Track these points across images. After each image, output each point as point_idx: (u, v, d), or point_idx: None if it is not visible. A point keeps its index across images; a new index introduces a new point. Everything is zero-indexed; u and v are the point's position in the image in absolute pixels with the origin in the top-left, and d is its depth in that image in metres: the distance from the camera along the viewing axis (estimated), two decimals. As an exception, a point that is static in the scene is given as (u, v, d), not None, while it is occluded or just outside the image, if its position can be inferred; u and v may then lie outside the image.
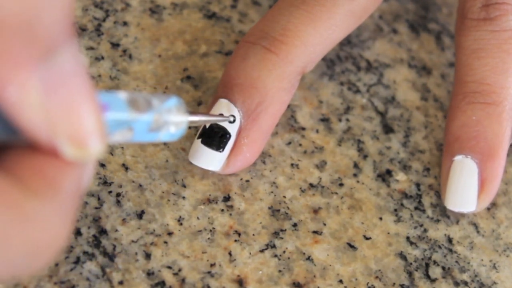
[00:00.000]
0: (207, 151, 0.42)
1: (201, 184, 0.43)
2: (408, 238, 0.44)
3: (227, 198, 0.43)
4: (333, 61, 0.49)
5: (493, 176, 0.44)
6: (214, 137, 0.42)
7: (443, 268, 0.43)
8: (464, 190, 0.44)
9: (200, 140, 0.42)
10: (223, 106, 0.42)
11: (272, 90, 0.42)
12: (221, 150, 0.42)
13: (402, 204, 0.45)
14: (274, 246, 0.42)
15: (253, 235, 0.42)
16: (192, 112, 0.39)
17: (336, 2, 0.43)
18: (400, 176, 0.46)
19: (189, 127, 0.44)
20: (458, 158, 0.44)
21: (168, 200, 0.43)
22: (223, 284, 0.41)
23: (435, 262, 0.44)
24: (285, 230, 0.43)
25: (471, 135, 0.44)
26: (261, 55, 0.42)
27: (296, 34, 0.43)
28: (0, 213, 0.27)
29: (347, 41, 0.49)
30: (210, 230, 0.42)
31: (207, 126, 0.42)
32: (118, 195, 0.42)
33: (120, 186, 0.42)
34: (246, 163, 0.43)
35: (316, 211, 0.44)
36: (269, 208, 0.43)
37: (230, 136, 0.42)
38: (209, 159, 0.42)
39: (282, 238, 0.43)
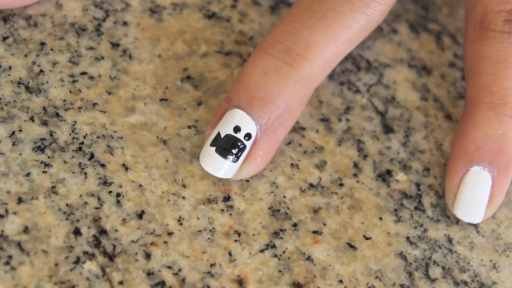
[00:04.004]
0: (220, 160, 0.42)
1: (201, 184, 0.43)
2: (408, 238, 0.44)
3: (227, 198, 0.43)
4: (333, 61, 0.49)
5: (502, 191, 0.44)
6: (230, 148, 0.42)
7: (443, 268, 0.43)
8: (477, 203, 0.44)
9: (214, 148, 0.42)
10: (241, 117, 0.42)
11: (291, 107, 0.43)
12: (235, 161, 0.42)
13: (402, 204, 0.45)
14: (274, 246, 0.42)
15: (253, 235, 0.42)
16: None
17: (355, 17, 0.43)
18: (400, 176, 0.46)
19: (189, 127, 0.44)
20: (475, 168, 0.44)
21: (168, 200, 0.43)
22: (223, 284, 0.41)
23: (435, 262, 0.44)
24: (285, 230, 0.43)
25: (494, 148, 0.44)
26: (284, 72, 0.42)
27: (318, 50, 0.43)
28: None
29: (347, 41, 0.49)
30: (210, 230, 0.42)
31: (222, 134, 0.42)
32: (118, 195, 0.42)
33: (120, 186, 0.42)
34: (257, 170, 0.43)
35: (316, 211, 0.44)
36: (269, 208, 0.43)
37: (246, 147, 0.42)
38: (222, 168, 0.42)
39: (282, 238, 0.43)
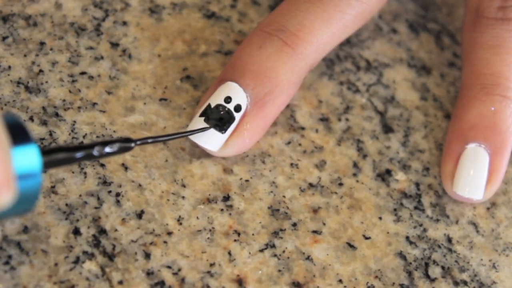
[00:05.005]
0: (209, 131, 0.43)
1: (200, 183, 0.43)
2: (407, 237, 0.44)
3: (226, 198, 0.43)
4: (333, 61, 0.49)
5: (500, 168, 0.45)
6: (219, 118, 0.43)
7: (443, 267, 0.43)
8: (475, 178, 0.44)
9: (203, 118, 0.43)
10: (232, 88, 0.43)
11: (283, 82, 0.43)
12: (223, 131, 0.43)
13: (401, 204, 0.45)
14: (273, 246, 0.42)
15: (253, 234, 0.42)
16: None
17: (349, 3, 0.44)
18: (400, 175, 0.46)
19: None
20: (471, 146, 0.45)
21: (168, 199, 0.43)
22: (223, 284, 0.41)
23: (434, 261, 0.44)
24: (285, 229, 0.43)
25: (488, 125, 0.45)
26: (278, 47, 0.43)
27: (312, 31, 0.44)
28: None
29: (346, 41, 0.49)
30: (210, 230, 0.42)
31: (212, 105, 0.43)
32: (117, 194, 0.42)
33: (120, 186, 0.42)
34: (243, 147, 0.44)
35: (315, 210, 0.44)
36: (268, 207, 0.43)
37: (235, 119, 0.43)
38: (210, 139, 0.43)
39: (281, 237, 0.43)
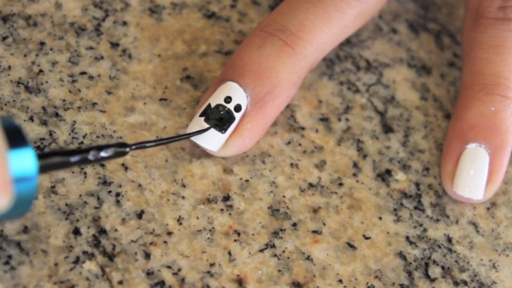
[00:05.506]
0: (209, 131, 0.43)
1: (200, 183, 0.43)
2: (407, 237, 0.44)
3: (226, 198, 0.43)
4: (333, 61, 0.49)
5: (500, 168, 0.45)
6: (219, 118, 0.43)
7: (443, 267, 0.43)
8: (475, 178, 0.45)
9: (203, 118, 0.43)
10: (232, 88, 0.43)
11: (283, 82, 0.43)
12: (223, 131, 0.43)
13: (401, 204, 0.45)
14: (273, 246, 0.42)
15: (253, 234, 0.42)
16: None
17: (349, 3, 0.44)
18: (400, 175, 0.46)
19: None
20: (471, 146, 0.45)
21: (168, 199, 0.43)
22: (223, 284, 0.41)
23: (434, 261, 0.44)
24: (285, 229, 0.43)
25: (488, 125, 0.45)
26: (278, 47, 0.43)
27: (312, 31, 0.44)
28: None
29: (346, 41, 0.49)
30: (210, 230, 0.42)
31: (212, 105, 0.43)
32: (117, 194, 0.42)
33: (120, 186, 0.42)
34: (243, 147, 0.44)
35: (315, 210, 0.44)
36: (268, 207, 0.43)
37: (235, 119, 0.43)
38: (210, 139, 0.43)
39: (281, 237, 0.43)
